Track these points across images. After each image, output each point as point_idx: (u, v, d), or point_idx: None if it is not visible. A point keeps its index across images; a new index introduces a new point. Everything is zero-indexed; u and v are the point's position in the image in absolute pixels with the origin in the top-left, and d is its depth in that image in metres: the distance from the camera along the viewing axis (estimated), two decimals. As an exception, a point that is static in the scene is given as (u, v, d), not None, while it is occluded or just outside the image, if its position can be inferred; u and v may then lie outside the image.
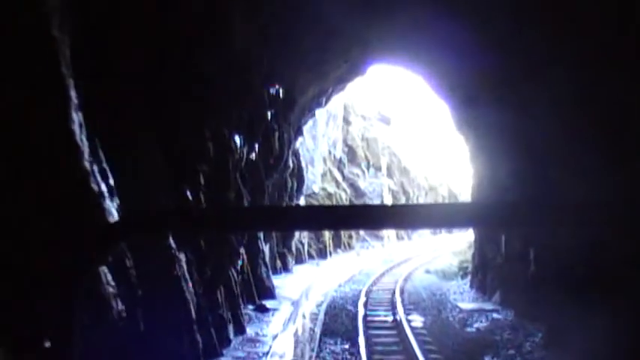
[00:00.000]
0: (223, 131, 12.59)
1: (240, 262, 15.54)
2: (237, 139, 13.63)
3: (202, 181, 11.12)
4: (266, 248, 23.45)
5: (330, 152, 41.70)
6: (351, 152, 46.30)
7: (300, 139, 26.98)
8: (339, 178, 42.42)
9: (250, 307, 17.82)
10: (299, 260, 29.20)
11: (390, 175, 51.45)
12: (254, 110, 15.41)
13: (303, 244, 30.08)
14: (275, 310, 18.21)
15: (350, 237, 39.00)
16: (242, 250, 17.32)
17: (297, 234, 28.18)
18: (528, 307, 17.69)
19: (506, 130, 17.80)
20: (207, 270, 12.10)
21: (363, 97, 54.18)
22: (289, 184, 24.35)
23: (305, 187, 30.09)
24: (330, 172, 40.78)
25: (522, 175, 17.29)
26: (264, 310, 17.80)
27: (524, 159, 16.89)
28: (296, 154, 25.96)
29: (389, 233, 46.09)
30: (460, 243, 44.56)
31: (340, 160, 44.30)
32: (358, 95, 51.72)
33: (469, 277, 26.89)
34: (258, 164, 17.90)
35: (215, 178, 12.08)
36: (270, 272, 21.61)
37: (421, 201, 50.88)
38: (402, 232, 49.26)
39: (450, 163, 67.78)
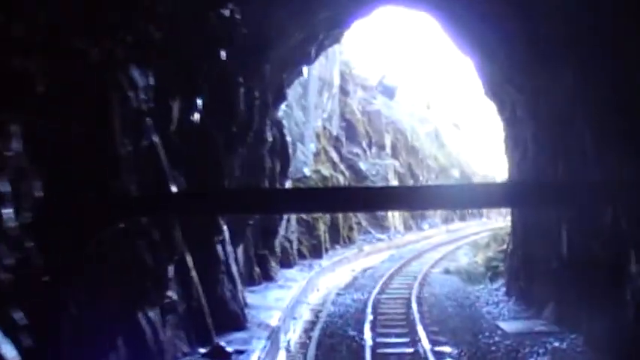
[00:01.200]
0: (93, 53, 6.25)
1: (170, 295, 9.37)
2: (136, 75, 7.34)
3: (16, 144, 4.89)
4: (239, 251, 17.70)
5: (324, 128, 37.86)
6: (349, 128, 42.38)
7: (283, 106, 21.27)
8: (336, 158, 38.77)
9: (202, 351, 11.81)
10: (285, 263, 23.86)
11: (395, 155, 47.67)
12: (187, 38, 9.16)
13: (290, 242, 24.54)
14: (240, 353, 12.19)
15: (350, 229, 34.51)
16: (185, 268, 11.23)
17: (282, 230, 22.68)
18: (609, 337, 13.01)
19: (580, 88, 13.33)
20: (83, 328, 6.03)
21: (364, 63, 51.01)
22: (268, 165, 18.36)
23: (293, 169, 25.10)
24: (325, 151, 37.00)
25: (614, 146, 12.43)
26: (222, 356, 11.77)
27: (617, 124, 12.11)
28: (278, 126, 20.18)
29: (395, 223, 42.12)
30: (478, 232, 41.13)
31: (337, 138, 40.34)
32: (358, 60, 48.95)
33: (502, 281, 23.08)
34: (208, 132, 11.68)
35: (71, 150, 5.88)
36: (241, 287, 15.62)
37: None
38: (411, 222, 45.40)
39: (462, 140, 63.73)
